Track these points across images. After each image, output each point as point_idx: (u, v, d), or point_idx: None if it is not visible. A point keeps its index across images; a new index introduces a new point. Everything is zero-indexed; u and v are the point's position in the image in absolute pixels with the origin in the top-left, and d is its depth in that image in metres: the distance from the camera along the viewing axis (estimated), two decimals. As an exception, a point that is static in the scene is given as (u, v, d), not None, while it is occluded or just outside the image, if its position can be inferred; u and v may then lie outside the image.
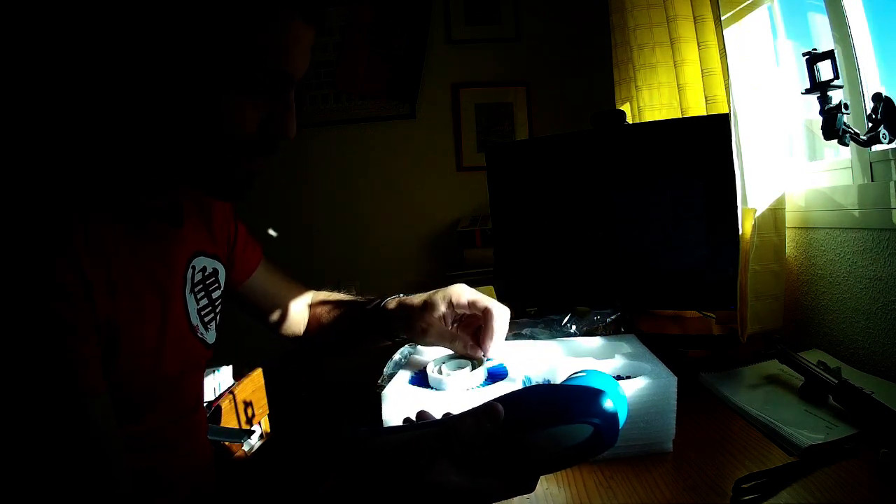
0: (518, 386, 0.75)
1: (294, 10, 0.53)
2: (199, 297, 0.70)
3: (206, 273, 0.72)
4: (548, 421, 0.48)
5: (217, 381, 1.56)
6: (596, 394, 0.50)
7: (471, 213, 2.22)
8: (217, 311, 0.74)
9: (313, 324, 0.95)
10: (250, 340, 1.22)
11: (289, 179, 2.27)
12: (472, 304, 0.80)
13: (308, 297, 0.95)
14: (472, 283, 0.85)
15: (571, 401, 0.50)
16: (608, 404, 0.49)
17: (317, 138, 2.27)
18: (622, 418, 0.51)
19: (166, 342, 0.63)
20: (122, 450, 0.53)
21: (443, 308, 0.80)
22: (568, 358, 0.84)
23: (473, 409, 0.49)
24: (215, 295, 0.73)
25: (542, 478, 0.65)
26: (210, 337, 0.73)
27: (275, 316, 0.91)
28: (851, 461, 0.63)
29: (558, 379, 0.77)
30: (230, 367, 1.45)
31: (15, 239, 0.48)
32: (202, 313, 0.71)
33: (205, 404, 1.43)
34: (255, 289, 0.88)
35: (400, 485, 0.46)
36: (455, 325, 0.83)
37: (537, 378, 0.80)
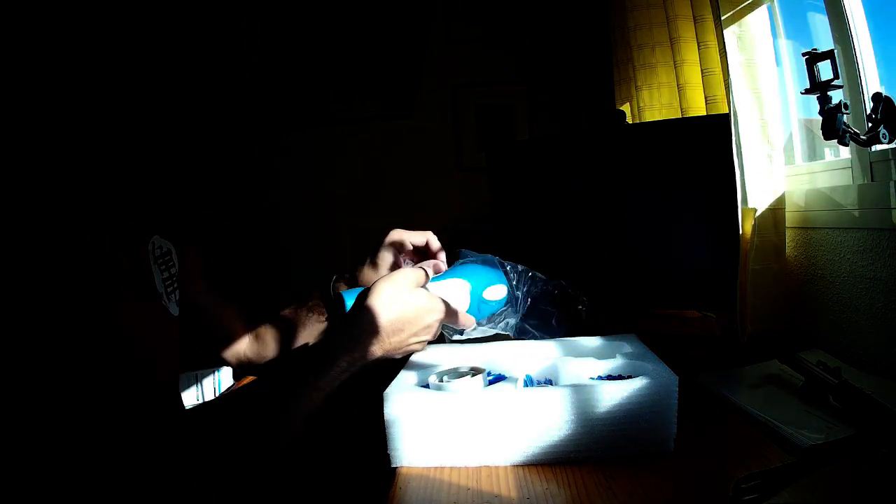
0: (519, 385, 0.75)
1: (242, 8, 0.70)
2: (161, 269, 0.74)
3: (163, 251, 0.76)
4: None
5: (217, 382, 1.56)
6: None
7: (471, 213, 2.22)
8: (175, 287, 0.77)
9: (257, 345, 0.94)
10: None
11: (288, 179, 2.27)
12: (407, 239, 0.91)
13: (243, 319, 0.94)
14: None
15: None
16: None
17: (316, 138, 2.27)
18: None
19: (133, 299, 0.65)
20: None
21: (390, 257, 0.91)
22: (568, 358, 0.84)
23: None
24: (172, 271, 0.77)
25: (541, 478, 0.65)
26: (173, 308, 0.75)
27: (216, 336, 0.92)
28: (851, 461, 0.64)
29: (560, 379, 0.77)
30: (230, 367, 1.44)
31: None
32: (165, 284, 0.74)
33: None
34: (197, 303, 0.87)
35: None
36: (409, 264, 0.91)
37: (538, 378, 0.80)
